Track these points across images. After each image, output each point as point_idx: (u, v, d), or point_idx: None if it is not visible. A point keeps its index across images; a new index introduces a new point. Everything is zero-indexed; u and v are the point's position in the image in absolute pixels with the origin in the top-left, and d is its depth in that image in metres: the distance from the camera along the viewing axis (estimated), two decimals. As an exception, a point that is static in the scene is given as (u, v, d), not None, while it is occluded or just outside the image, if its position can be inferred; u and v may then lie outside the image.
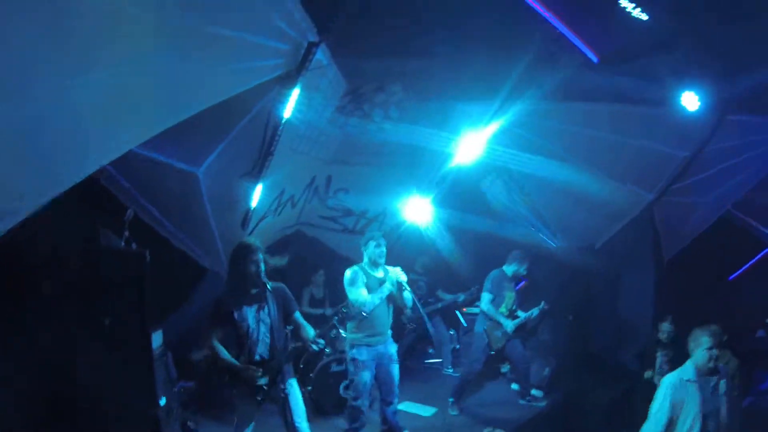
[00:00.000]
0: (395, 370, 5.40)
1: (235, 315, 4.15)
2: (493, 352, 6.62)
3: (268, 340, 4.23)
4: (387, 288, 5.18)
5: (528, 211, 7.44)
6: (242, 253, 4.17)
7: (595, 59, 4.56)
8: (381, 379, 5.42)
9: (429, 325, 5.66)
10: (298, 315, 4.41)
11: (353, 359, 5.23)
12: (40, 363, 3.27)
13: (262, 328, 4.22)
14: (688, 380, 3.89)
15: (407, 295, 5.29)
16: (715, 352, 3.93)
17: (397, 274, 5.22)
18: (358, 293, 5.12)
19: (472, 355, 6.57)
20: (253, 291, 4.22)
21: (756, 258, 7.11)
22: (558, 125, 5.59)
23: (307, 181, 6.79)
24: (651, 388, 5.75)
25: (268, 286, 4.10)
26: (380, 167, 6.66)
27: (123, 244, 4.11)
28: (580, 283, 7.21)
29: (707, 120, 5.05)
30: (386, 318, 5.36)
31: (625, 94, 4.95)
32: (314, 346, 4.17)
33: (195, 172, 5.00)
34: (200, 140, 4.78)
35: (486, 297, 6.45)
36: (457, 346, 8.56)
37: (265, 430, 5.22)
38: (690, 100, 4.69)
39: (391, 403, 5.49)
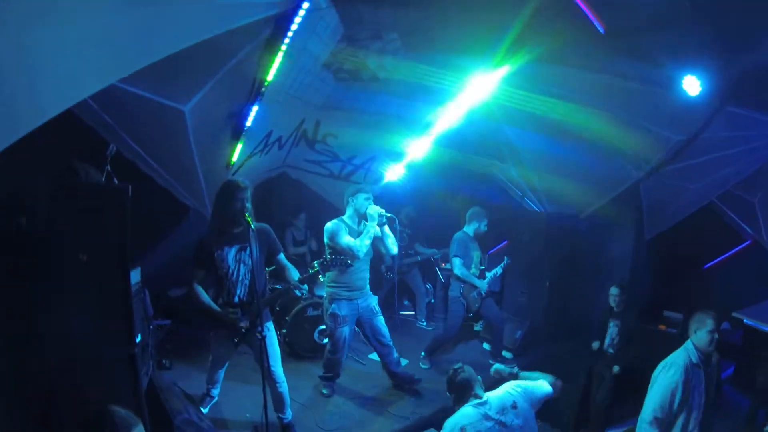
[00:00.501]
0: (380, 321, 5.50)
1: (216, 255, 4.18)
2: (471, 315, 6.74)
3: (247, 282, 4.29)
4: (372, 226, 5.15)
5: (518, 173, 7.40)
6: (229, 190, 4.15)
7: (601, 29, 4.44)
8: (370, 334, 5.54)
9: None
10: (282, 257, 4.45)
11: (333, 314, 5.28)
12: (12, 299, 3.22)
13: (242, 269, 4.27)
14: (695, 364, 4.02)
15: (388, 236, 5.31)
16: (716, 335, 4.08)
17: (378, 209, 5.20)
18: (347, 240, 5.09)
19: (450, 320, 6.65)
20: (236, 230, 4.22)
21: (732, 251, 7.18)
22: (554, 91, 5.46)
23: (295, 124, 6.68)
24: (603, 357, 5.97)
25: (252, 226, 4.01)
26: (371, 115, 6.51)
27: (104, 179, 4.02)
28: (561, 250, 7.22)
29: (706, 107, 4.93)
30: (365, 271, 5.41)
31: (627, 70, 4.81)
32: (297, 291, 4.33)
33: (181, 109, 4.85)
34: (188, 78, 4.60)
35: (457, 261, 6.44)
36: (432, 300, 8.69)
37: (239, 372, 5.35)
38: (691, 85, 4.54)
39: (390, 355, 5.62)
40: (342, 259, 4.83)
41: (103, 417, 2.58)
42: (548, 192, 7.51)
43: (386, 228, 5.31)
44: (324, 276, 6.60)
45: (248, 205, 4.13)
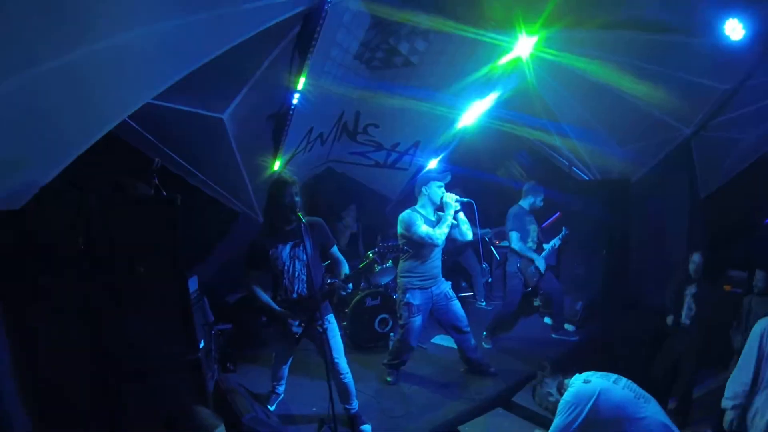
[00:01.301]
0: (456, 306, 5.42)
1: (270, 253, 4.23)
2: (529, 289, 6.65)
3: (304, 277, 4.32)
4: (449, 214, 5.08)
5: (562, 143, 7.23)
6: (278, 187, 4.19)
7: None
8: (445, 321, 5.50)
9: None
10: (335, 250, 4.46)
11: (407, 304, 5.27)
12: (79, 317, 3.36)
13: (298, 265, 4.31)
14: None
15: (464, 223, 5.24)
16: None
17: (454, 196, 5.15)
18: (425, 230, 5.05)
19: (509, 296, 6.54)
20: (288, 227, 4.26)
21: None
22: (594, 53, 5.30)
23: (335, 118, 6.67)
24: (680, 330, 5.76)
25: (303, 221, 4.06)
26: (409, 100, 6.45)
27: (152, 192, 4.14)
28: (614, 217, 7.02)
29: (751, 51, 4.64)
30: (438, 259, 5.35)
31: (663, 22, 4.63)
32: (342, 291, 4.25)
33: (220, 117, 4.96)
34: (223, 85, 4.69)
35: (514, 236, 6.33)
36: (489, 279, 8.56)
37: (303, 368, 5.43)
38: (734, 29, 4.31)
39: (467, 341, 5.55)
40: (397, 246, 4.91)
41: (187, 415, 2.64)
42: (595, 159, 7.33)
43: (460, 214, 5.22)
44: (380, 266, 6.69)
45: (297, 199, 4.16)
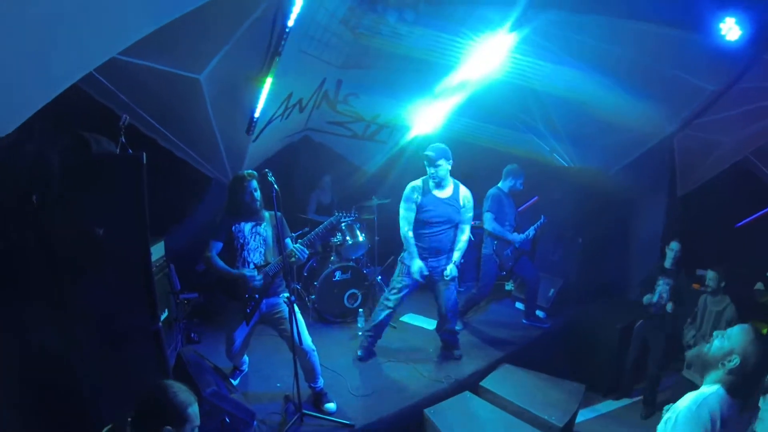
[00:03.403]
0: (443, 288, 5.37)
1: (233, 228, 4.28)
2: (504, 273, 6.52)
3: (262, 250, 4.38)
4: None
5: (546, 128, 7.05)
6: (236, 185, 4.29)
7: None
8: (435, 297, 5.48)
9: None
10: (288, 241, 4.41)
11: (401, 260, 5.28)
12: (29, 283, 3.10)
13: (258, 239, 4.36)
14: None
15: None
16: None
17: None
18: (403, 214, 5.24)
19: (483, 279, 6.38)
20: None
21: (766, 210, 6.77)
22: (582, 39, 5.09)
23: (316, 85, 6.36)
24: (650, 318, 5.74)
25: (265, 215, 4.37)
26: (393, 72, 6.20)
27: (118, 151, 3.85)
28: (592, 206, 6.92)
29: (743, 54, 4.49)
30: (441, 234, 5.27)
31: (659, 14, 4.45)
32: (300, 254, 4.24)
33: (197, 77, 4.66)
34: (202, 44, 4.38)
35: (488, 216, 6.15)
36: (462, 261, 8.37)
37: (269, 342, 5.25)
38: (731, 29, 4.11)
39: (444, 324, 5.58)
40: None
41: (158, 390, 2.42)
42: (577, 146, 7.15)
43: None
44: (352, 240, 6.52)
45: (257, 195, 4.31)
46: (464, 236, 5.22)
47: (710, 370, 2.49)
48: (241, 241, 4.32)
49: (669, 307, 5.49)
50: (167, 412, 2.33)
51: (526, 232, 6.32)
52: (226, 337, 4.53)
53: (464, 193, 5.24)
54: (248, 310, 4.31)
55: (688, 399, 2.41)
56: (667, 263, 5.65)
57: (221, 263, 4.24)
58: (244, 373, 4.93)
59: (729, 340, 2.45)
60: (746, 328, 2.48)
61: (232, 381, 4.65)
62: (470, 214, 5.26)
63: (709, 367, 2.50)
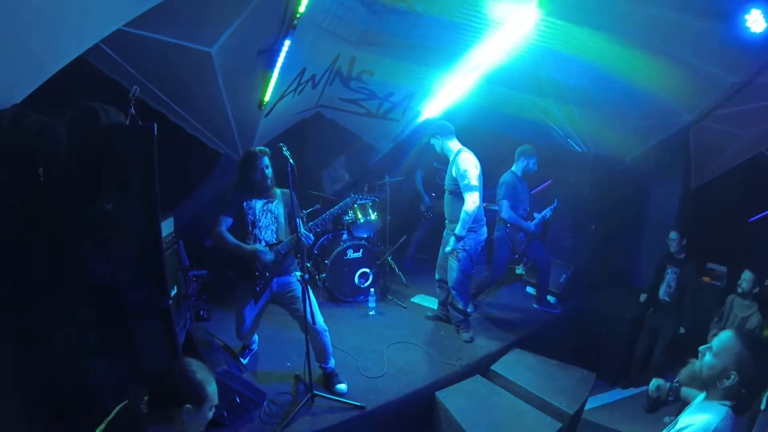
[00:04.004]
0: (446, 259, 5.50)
1: (244, 204, 4.15)
2: (516, 256, 6.41)
3: (274, 228, 4.26)
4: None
5: (562, 113, 6.89)
6: (247, 161, 4.15)
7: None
8: None
9: None
10: (298, 221, 4.24)
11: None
12: (36, 259, 2.99)
13: (269, 217, 4.24)
14: None
15: None
16: None
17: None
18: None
19: (495, 261, 6.25)
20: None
21: None
22: (601, 23, 4.94)
23: (329, 61, 6.19)
24: (658, 306, 5.67)
25: (277, 192, 4.25)
26: (409, 49, 6.03)
27: (128, 122, 3.72)
28: (606, 193, 6.76)
29: (766, 48, 4.29)
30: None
31: (682, 1, 4.28)
32: (304, 239, 4.10)
33: (208, 51, 4.50)
34: (214, 17, 4.24)
35: (504, 205, 5.97)
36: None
37: (279, 320, 5.17)
38: (756, 20, 3.93)
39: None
40: None
41: (177, 368, 2.33)
42: (592, 132, 6.98)
43: None
44: (363, 218, 6.41)
45: (268, 172, 4.20)
46: (465, 206, 5.10)
47: (710, 389, 2.40)
48: (252, 218, 4.19)
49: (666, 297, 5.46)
50: (187, 390, 2.25)
51: (541, 215, 6.19)
52: (236, 316, 4.44)
53: (457, 161, 5.20)
54: (258, 288, 4.21)
55: (701, 426, 2.28)
56: (674, 252, 5.61)
57: (232, 238, 4.12)
58: (254, 352, 4.85)
59: (720, 357, 2.33)
60: (732, 337, 2.35)
61: (242, 360, 4.59)
62: (465, 182, 5.10)
63: (708, 386, 2.41)
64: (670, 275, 5.62)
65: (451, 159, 5.29)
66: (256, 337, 4.84)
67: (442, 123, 5.42)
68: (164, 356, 3.34)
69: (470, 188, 5.09)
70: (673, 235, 5.62)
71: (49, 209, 2.98)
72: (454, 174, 5.20)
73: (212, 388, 2.33)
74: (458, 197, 5.17)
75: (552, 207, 6.25)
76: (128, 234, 3.22)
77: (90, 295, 3.12)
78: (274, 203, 4.28)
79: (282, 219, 4.32)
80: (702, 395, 2.54)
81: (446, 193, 5.43)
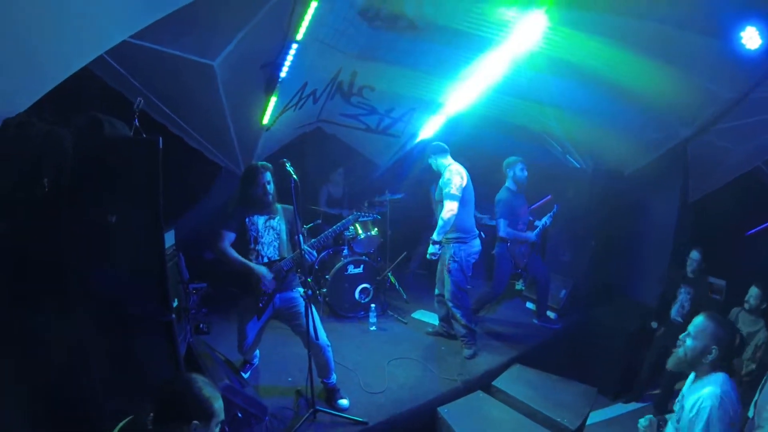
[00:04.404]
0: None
1: (246, 220, 4.10)
2: (519, 270, 6.38)
3: (276, 244, 4.21)
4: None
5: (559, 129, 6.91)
6: (249, 176, 4.13)
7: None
8: None
9: None
10: (300, 237, 4.18)
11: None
12: (39, 269, 2.95)
13: (272, 233, 4.20)
14: None
15: None
16: None
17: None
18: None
19: (497, 276, 6.18)
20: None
21: None
22: (600, 39, 4.97)
23: (331, 75, 6.21)
24: (670, 327, 5.60)
25: (278, 208, 4.27)
26: (409, 66, 6.06)
27: (132, 134, 3.70)
28: (604, 208, 6.75)
29: (761, 64, 4.34)
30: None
31: (680, 17, 4.31)
32: (307, 256, 4.08)
33: (211, 63, 4.50)
34: (217, 30, 4.24)
35: (502, 223, 5.94)
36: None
37: (280, 335, 5.11)
38: (751, 37, 4.00)
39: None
40: None
41: (184, 383, 2.29)
42: (590, 148, 7.01)
43: None
44: (365, 234, 6.38)
45: (270, 187, 4.16)
46: (442, 213, 5.16)
47: (697, 367, 2.81)
48: (254, 234, 4.15)
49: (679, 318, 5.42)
50: (195, 407, 2.22)
51: (542, 221, 6.19)
52: (238, 332, 4.38)
53: (444, 171, 5.34)
54: (260, 305, 4.16)
55: (709, 395, 2.63)
56: (689, 272, 5.51)
57: (237, 255, 4.07)
58: (254, 367, 4.80)
59: (699, 339, 2.76)
60: (706, 317, 2.81)
61: (243, 374, 4.53)
62: (446, 189, 5.18)
63: (694, 365, 2.81)
64: (683, 295, 5.53)
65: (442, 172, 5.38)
66: (257, 351, 4.78)
67: (437, 144, 5.53)
68: (167, 369, 3.30)
69: (450, 196, 5.14)
70: (694, 254, 5.51)
71: (53, 219, 2.95)
72: (440, 184, 5.28)
73: (219, 404, 2.30)
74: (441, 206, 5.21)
75: (551, 213, 6.22)
76: (132, 246, 3.19)
77: (93, 307, 3.08)
78: (276, 219, 4.24)
79: (284, 235, 4.28)
80: (690, 378, 2.94)
81: (437, 205, 5.42)
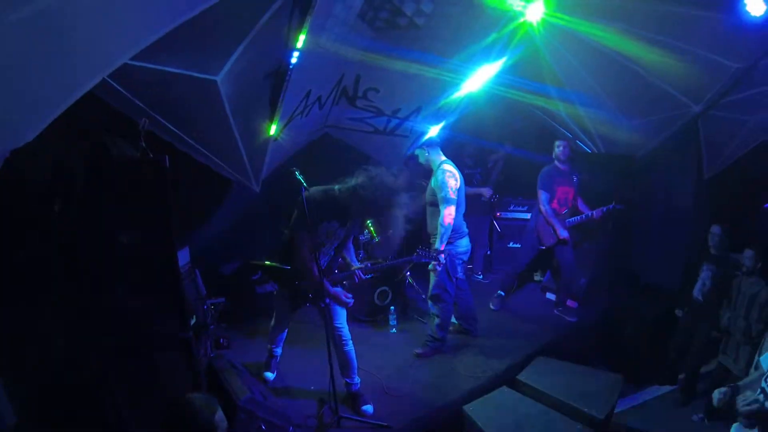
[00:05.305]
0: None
1: (322, 225, 4.13)
2: (542, 247, 6.37)
3: (332, 253, 4.27)
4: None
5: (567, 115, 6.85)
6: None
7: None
8: None
9: None
10: (351, 241, 4.37)
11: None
12: (55, 293, 2.97)
13: (334, 243, 4.23)
14: None
15: None
16: None
17: None
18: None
19: (521, 250, 6.54)
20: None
21: None
22: (605, 20, 4.94)
23: (334, 81, 6.17)
24: (692, 306, 5.52)
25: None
26: (412, 64, 6.01)
27: (139, 155, 3.71)
28: (619, 192, 6.63)
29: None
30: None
31: None
32: (356, 279, 4.32)
33: (214, 79, 4.49)
34: (217, 45, 4.23)
35: (543, 196, 6.08)
36: (489, 252, 8.18)
37: (301, 343, 5.14)
38: (756, 4, 3.92)
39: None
40: None
41: (180, 406, 2.31)
42: (600, 131, 6.95)
43: None
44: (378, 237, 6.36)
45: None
46: (441, 219, 4.99)
47: None
48: (321, 239, 4.16)
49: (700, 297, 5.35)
50: (195, 427, 2.26)
51: (587, 214, 6.21)
52: (275, 326, 4.64)
53: (438, 172, 5.20)
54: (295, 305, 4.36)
55: None
56: (712, 248, 5.40)
57: (314, 266, 4.00)
58: (277, 360, 4.87)
59: None
60: None
61: (269, 373, 4.72)
62: (442, 194, 5.03)
63: None
64: (705, 273, 5.41)
65: (434, 170, 5.26)
66: (281, 344, 4.87)
67: (429, 138, 5.55)
68: (187, 386, 3.31)
69: (447, 200, 5.00)
70: (715, 229, 5.39)
71: (66, 242, 2.97)
72: (433, 185, 5.15)
73: (219, 416, 2.33)
74: (437, 210, 5.07)
75: (604, 208, 6.17)
76: (146, 266, 3.21)
77: (110, 327, 3.10)
78: (343, 228, 4.26)
79: (341, 242, 4.34)
80: None
81: (426, 206, 5.34)
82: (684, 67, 5.12)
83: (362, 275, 4.29)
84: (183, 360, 3.36)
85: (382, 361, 5.19)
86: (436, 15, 5.21)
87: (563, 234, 6.03)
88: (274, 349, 4.80)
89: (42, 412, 2.99)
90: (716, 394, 3.30)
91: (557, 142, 6.24)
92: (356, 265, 4.58)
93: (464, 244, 5.26)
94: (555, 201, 6.16)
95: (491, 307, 6.49)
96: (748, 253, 4.94)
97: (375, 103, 6.74)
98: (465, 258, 5.32)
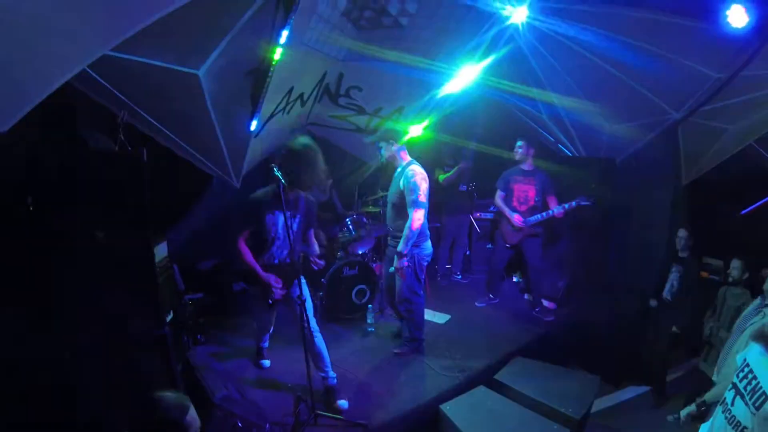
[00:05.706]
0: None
1: (267, 218, 4.04)
2: (508, 245, 6.43)
3: (290, 247, 4.10)
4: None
5: (550, 119, 6.89)
6: (315, 150, 4.10)
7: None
8: None
9: None
10: (311, 233, 4.29)
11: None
12: (28, 289, 2.91)
13: (289, 234, 4.05)
14: None
15: None
16: None
17: None
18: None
19: (494, 252, 6.61)
20: (291, 196, 4.12)
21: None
22: (588, 27, 5.00)
23: (317, 79, 6.16)
24: (661, 305, 5.61)
25: (305, 197, 4.18)
26: (396, 63, 6.01)
27: (117, 148, 3.66)
28: (598, 195, 6.70)
29: (750, 42, 4.35)
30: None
31: (664, 3, 4.36)
32: (314, 266, 4.20)
33: (195, 73, 4.45)
34: (200, 39, 4.18)
35: (497, 193, 6.33)
36: (468, 252, 8.21)
37: (276, 341, 5.09)
38: (737, 15, 3.99)
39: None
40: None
41: (150, 404, 2.26)
42: (582, 135, 7.04)
43: None
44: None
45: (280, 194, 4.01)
46: (410, 222, 4.70)
47: None
48: (273, 234, 4.14)
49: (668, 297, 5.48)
50: (166, 426, 2.19)
51: (551, 211, 6.19)
52: (259, 326, 4.68)
53: (407, 173, 4.81)
54: (270, 302, 4.21)
55: None
56: (679, 250, 5.55)
57: (251, 257, 4.07)
58: (268, 348, 4.95)
59: None
60: None
61: (265, 362, 4.83)
62: (413, 197, 4.70)
63: None
64: (674, 274, 5.54)
65: (399, 170, 4.97)
66: (267, 336, 4.91)
67: (398, 130, 5.15)
68: (162, 383, 3.26)
69: (418, 204, 4.70)
70: (681, 233, 5.53)
71: (40, 238, 2.91)
72: (401, 186, 4.81)
73: (191, 414, 2.27)
74: (403, 211, 4.81)
75: (567, 205, 6.15)
76: (121, 261, 3.16)
77: (83, 324, 3.04)
78: (297, 217, 4.20)
79: (299, 233, 4.28)
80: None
81: (389, 206, 5.09)
82: (666, 75, 5.18)
83: (318, 264, 4.30)
84: (159, 357, 3.31)
85: (359, 360, 5.16)
86: (420, 15, 5.24)
87: (517, 222, 6.17)
88: (261, 344, 4.87)
89: (15, 414, 2.92)
90: (683, 413, 3.43)
91: (517, 143, 6.30)
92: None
93: (428, 246, 5.05)
94: (514, 199, 6.29)
95: (476, 304, 6.70)
96: (735, 263, 5.00)
97: (357, 101, 6.73)
98: (428, 260, 5.12)
